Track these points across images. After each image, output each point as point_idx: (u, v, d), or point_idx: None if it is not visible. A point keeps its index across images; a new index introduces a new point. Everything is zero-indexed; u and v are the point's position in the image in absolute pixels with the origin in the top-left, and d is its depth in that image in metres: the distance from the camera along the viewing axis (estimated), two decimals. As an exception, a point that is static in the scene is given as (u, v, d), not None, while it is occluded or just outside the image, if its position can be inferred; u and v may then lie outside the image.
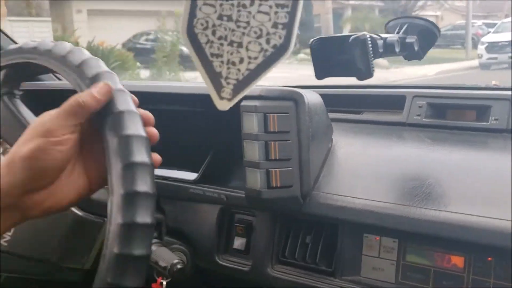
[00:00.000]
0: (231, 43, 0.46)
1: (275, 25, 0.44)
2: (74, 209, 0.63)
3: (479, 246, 0.63)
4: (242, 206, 0.81)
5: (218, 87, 0.47)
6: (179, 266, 0.68)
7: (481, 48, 9.07)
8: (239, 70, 0.46)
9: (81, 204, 0.63)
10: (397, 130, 0.93)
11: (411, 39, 0.76)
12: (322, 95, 0.93)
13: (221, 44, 0.46)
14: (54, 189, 0.51)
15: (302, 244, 0.77)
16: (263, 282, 0.78)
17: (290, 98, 0.74)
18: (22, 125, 0.62)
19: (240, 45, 0.45)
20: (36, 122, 0.51)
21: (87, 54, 0.58)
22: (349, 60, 0.64)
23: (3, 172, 0.48)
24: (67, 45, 0.59)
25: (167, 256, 0.70)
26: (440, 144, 0.86)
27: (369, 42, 0.64)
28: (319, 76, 0.69)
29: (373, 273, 0.71)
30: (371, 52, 0.64)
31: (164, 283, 0.76)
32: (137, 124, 0.53)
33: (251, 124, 0.72)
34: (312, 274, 0.75)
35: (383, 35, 0.71)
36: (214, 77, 0.47)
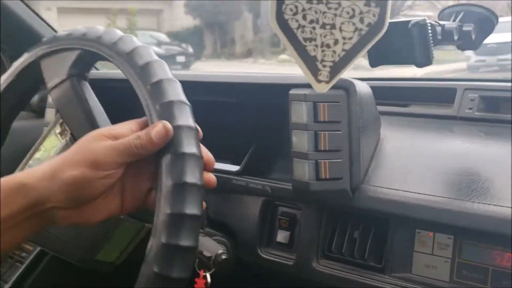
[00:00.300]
0: (323, 26, 0.44)
1: (367, 3, 0.43)
2: None
3: None
4: (286, 199, 0.79)
5: (315, 71, 0.46)
6: (224, 257, 0.66)
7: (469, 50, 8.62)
8: (334, 51, 0.45)
9: None
10: (448, 124, 0.90)
11: (468, 27, 0.72)
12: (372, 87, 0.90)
13: (313, 28, 0.45)
14: (85, 208, 0.49)
15: (349, 239, 0.74)
16: (308, 277, 0.76)
17: (341, 86, 0.71)
18: (85, 110, 0.61)
19: (333, 26, 0.44)
20: (87, 146, 0.49)
21: (137, 41, 0.57)
22: (407, 47, 0.61)
23: (43, 184, 0.47)
24: (117, 32, 0.59)
25: (212, 246, 0.68)
26: (494, 138, 0.82)
27: (429, 28, 0.61)
28: (373, 63, 0.66)
29: (425, 270, 0.68)
30: (431, 38, 0.61)
31: (208, 275, 0.74)
32: (187, 114, 0.52)
33: (300, 113, 0.70)
34: (360, 270, 0.72)
35: (442, 22, 0.68)
36: (309, 61, 0.46)
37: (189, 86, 0.60)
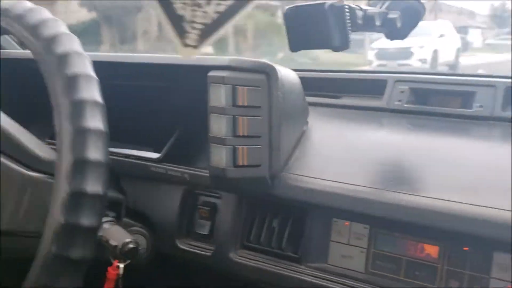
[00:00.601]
0: None
1: None
2: (20, 168, 0.57)
3: (455, 234, 0.58)
4: (206, 187, 0.76)
5: (181, 32, 0.42)
6: (130, 246, 0.62)
7: (371, 54, 8.55)
8: (206, 12, 0.41)
9: (28, 163, 0.58)
10: (377, 116, 0.89)
11: (393, 14, 0.71)
12: (299, 78, 0.88)
13: None
14: None
15: (269, 228, 0.72)
16: (226, 268, 0.73)
17: (262, 70, 0.68)
18: None
19: None
20: None
21: (48, 14, 0.53)
22: (324, 30, 0.59)
23: None
24: (27, 4, 0.55)
25: (119, 235, 0.64)
26: (420, 130, 0.82)
27: (347, 10, 0.59)
28: (294, 47, 0.64)
29: (341, 261, 0.66)
30: (349, 22, 0.60)
31: (121, 266, 0.70)
32: (94, 89, 0.49)
33: (218, 96, 0.67)
34: (277, 260, 0.70)
35: (364, 7, 0.66)
36: (175, 20, 0.41)
37: (103, 69, 0.56)
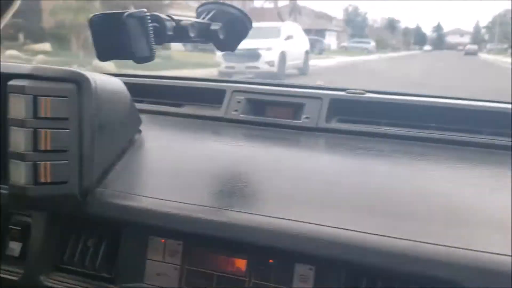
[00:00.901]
0: None
1: None
2: None
3: (261, 247, 0.59)
4: (10, 206, 0.69)
5: None
6: None
7: (219, 56, 8.40)
8: None
9: None
10: (215, 126, 0.88)
11: (215, 26, 0.70)
12: (135, 84, 0.85)
13: None
14: None
15: (84, 248, 0.67)
16: None
17: (70, 79, 0.64)
18: None
19: None
20: None
21: None
22: (125, 40, 0.56)
23: None
24: None
25: None
26: (251, 140, 0.83)
27: (149, 20, 0.57)
28: (102, 57, 0.60)
29: (157, 279, 0.64)
30: (152, 32, 0.57)
31: None
32: None
33: (18, 107, 0.61)
34: (90, 282, 0.66)
35: (176, 17, 0.64)
36: None
37: None
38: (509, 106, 0.78)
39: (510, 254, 0.51)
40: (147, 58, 0.57)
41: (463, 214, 0.57)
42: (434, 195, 0.61)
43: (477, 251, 0.52)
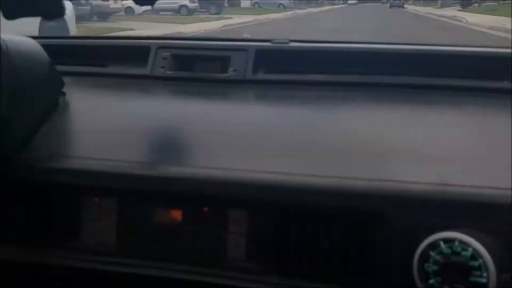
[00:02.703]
0: None
1: None
2: None
3: (194, 197, 0.60)
4: None
5: None
6: None
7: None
8: None
9: None
10: (142, 84, 0.87)
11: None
12: (55, 46, 0.82)
13: None
14: None
15: (14, 216, 0.66)
16: None
17: (-21, 42, 0.60)
18: None
19: None
20: None
21: None
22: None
23: None
24: None
25: None
26: (178, 96, 0.83)
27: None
28: (8, 15, 0.57)
29: (94, 238, 0.64)
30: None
31: None
32: None
33: None
34: (26, 248, 0.65)
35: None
36: None
37: None
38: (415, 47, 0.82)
39: (425, 181, 0.55)
40: (58, 13, 0.55)
41: (383, 150, 0.61)
42: (355, 134, 0.65)
43: (396, 181, 0.56)
